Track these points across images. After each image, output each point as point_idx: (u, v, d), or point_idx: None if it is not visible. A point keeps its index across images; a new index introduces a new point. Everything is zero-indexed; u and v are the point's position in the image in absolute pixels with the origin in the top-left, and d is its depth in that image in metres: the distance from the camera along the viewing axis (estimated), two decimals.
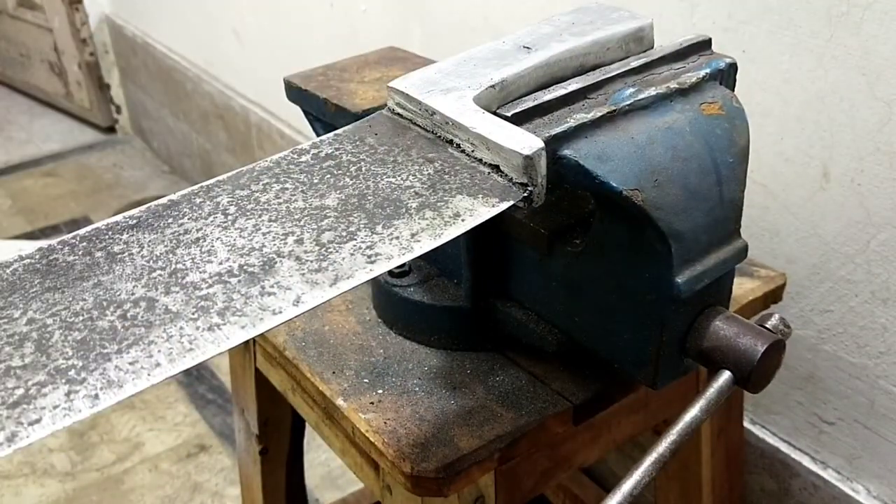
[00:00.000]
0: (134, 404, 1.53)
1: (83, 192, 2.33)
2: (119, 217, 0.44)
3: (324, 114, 0.71)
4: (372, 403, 0.60)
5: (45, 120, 2.75)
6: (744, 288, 0.70)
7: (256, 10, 1.66)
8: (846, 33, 0.70)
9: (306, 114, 0.76)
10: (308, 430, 0.89)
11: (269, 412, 0.86)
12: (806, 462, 0.89)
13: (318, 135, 0.75)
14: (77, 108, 2.69)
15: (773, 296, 0.71)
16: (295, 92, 0.74)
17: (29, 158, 2.52)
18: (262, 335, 0.70)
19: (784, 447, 0.91)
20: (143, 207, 0.45)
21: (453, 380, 0.62)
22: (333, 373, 0.63)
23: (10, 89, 2.94)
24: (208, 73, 1.98)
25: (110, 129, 2.66)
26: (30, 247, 0.43)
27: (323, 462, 1.36)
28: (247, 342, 0.81)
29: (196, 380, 1.59)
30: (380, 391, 0.61)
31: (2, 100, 2.89)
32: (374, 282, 0.68)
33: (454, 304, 0.64)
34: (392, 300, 0.66)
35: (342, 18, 1.40)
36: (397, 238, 0.41)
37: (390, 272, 0.66)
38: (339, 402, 0.60)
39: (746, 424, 0.93)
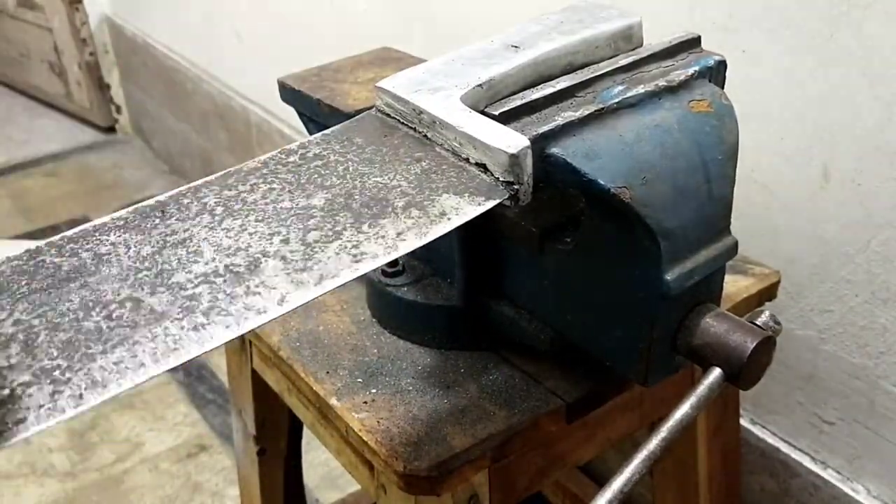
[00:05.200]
0: (134, 404, 1.54)
1: (83, 192, 2.33)
2: (107, 218, 0.44)
3: (317, 114, 0.71)
4: (365, 403, 0.60)
5: (45, 120, 2.76)
6: (738, 286, 0.70)
7: (256, 11, 1.66)
8: (846, 33, 0.70)
9: (300, 115, 0.76)
10: (307, 430, 0.89)
11: (266, 413, 0.86)
12: (806, 462, 0.89)
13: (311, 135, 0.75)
14: (77, 108, 2.70)
15: (768, 293, 0.71)
16: (289, 93, 0.74)
17: (29, 158, 2.52)
18: (257, 336, 0.71)
19: (784, 447, 0.90)
20: (130, 208, 0.45)
21: (446, 379, 0.62)
22: (327, 373, 0.63)
23: (10, 89, 2.94)
24: (208, 73, 1.98)
25: (110, 129, 2.67)
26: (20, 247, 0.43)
27: (323, 462, 1.36)
28: (243, 343, 0.82)
29: (196, 380, 1.59)
30: (373, 390, 0.61)
31: (2, 100, 2.90)
32: (368, 282, 0.68)
33: (447, 303, 0.64)
34: (386, 300, 0.66)
35: (342, 18, 1.40)
36: (383, 237, 0.41)
37: (383, 272, 0.66)
38: (333, 401, 0.60)
39: (747, 424, 0.92)
